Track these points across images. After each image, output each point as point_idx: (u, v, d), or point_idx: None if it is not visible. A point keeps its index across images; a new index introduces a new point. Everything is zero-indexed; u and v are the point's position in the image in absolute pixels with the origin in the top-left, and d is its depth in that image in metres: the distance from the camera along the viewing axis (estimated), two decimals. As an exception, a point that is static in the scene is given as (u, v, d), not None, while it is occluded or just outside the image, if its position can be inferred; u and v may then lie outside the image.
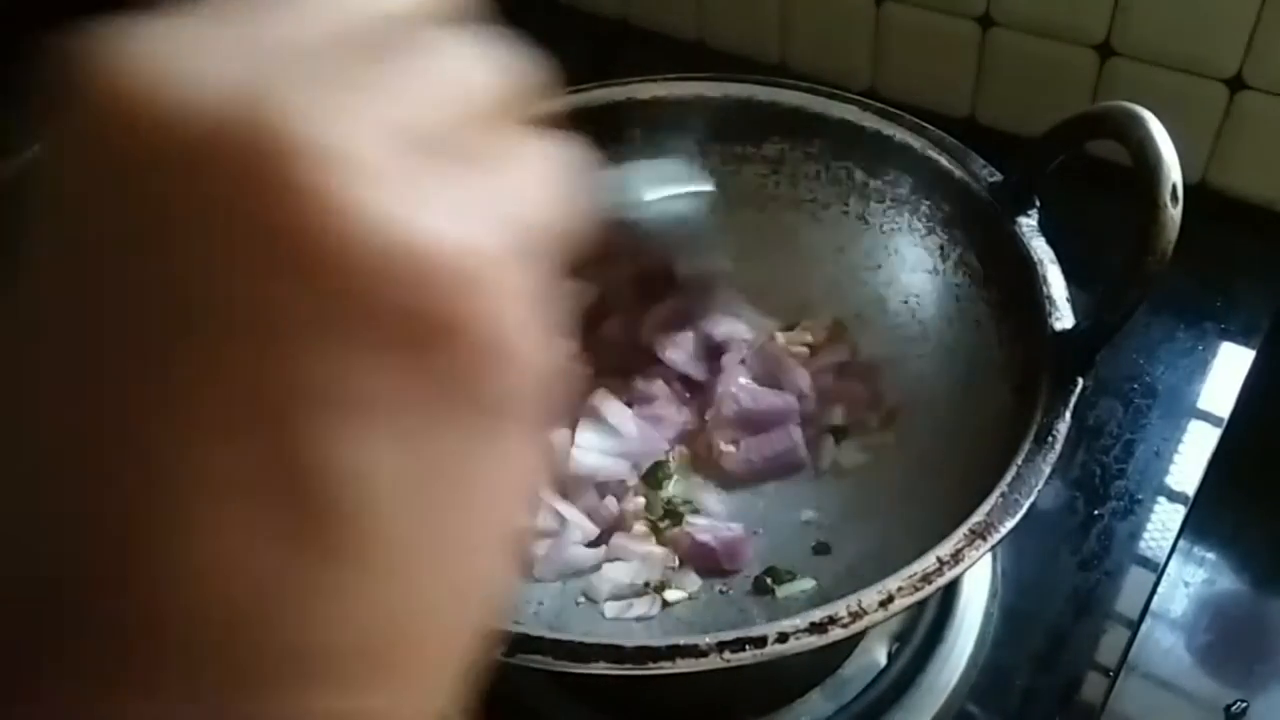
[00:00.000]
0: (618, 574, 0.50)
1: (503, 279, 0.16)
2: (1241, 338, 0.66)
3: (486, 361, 0.16)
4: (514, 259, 0.16)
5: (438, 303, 0.15)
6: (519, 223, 0.17)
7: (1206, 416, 0.62)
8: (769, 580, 0.49)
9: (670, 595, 0.49)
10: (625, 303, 0.57)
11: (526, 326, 0.17)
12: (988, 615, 0.54)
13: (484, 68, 0.19)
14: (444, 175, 0.16)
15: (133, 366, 0.15)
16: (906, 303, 0.57)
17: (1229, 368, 0.64)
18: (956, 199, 0.54)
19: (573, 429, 0.53)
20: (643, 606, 0.49)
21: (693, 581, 0.51)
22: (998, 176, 0.52)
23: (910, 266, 0.56)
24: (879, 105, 0.57)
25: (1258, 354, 0.65)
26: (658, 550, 0.51)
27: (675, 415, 0.55)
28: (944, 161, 0.54)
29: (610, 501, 0.53)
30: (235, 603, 0.15)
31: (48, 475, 0.15)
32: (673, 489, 0.54)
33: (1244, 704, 0.51)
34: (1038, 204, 0.50)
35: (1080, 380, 0.44)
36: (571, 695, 0.51)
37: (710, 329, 0.57)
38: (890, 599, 0.38)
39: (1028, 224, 0.50)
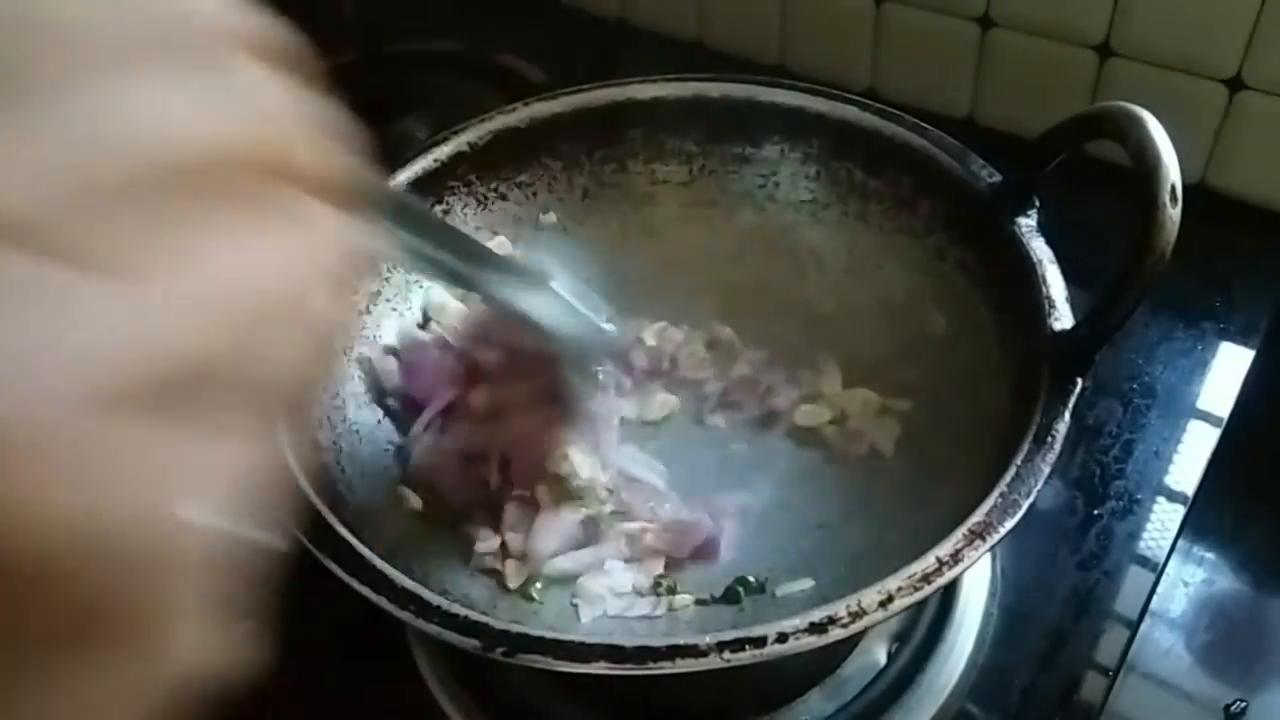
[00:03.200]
0: (615, 577, 0.50)
1: (37, 479, 0.13)
2: (1241, 338, 0.66)
3: (24, 591, 0.13)
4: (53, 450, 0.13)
5: None
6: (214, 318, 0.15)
7: (1206, 416, 0.62)
8: (740, 590, 0.49)
9: (678, 600, 0.49)
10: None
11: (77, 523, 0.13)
12: (987, 615, 0.54)
13: (224, 105, 0.16)
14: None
15: None
16: (906, 303, 0.57)
17: (1228, 368, 0.64)
18: (956, 199, 0.54)
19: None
20: (645, 607, 0.49)
21: (693, 582, 0.51)
22: (997, 177, 0.52)
23: (910, 267, 0.56)
24: (878, 105, 0.57)
25: (1257, 354, 0.65)
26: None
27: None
28: (944, 162, 0.54)
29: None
30: None
31: None
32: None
33: (1243, 703, 0.51)
34: (1037, 204, 0.50)
35: (1079, 380, 0.44)
36: (572, 695, 0.51)
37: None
38: (890, 599, 0.38)
39: (1027, 224, 0.50)
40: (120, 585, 0.14)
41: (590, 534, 0.52)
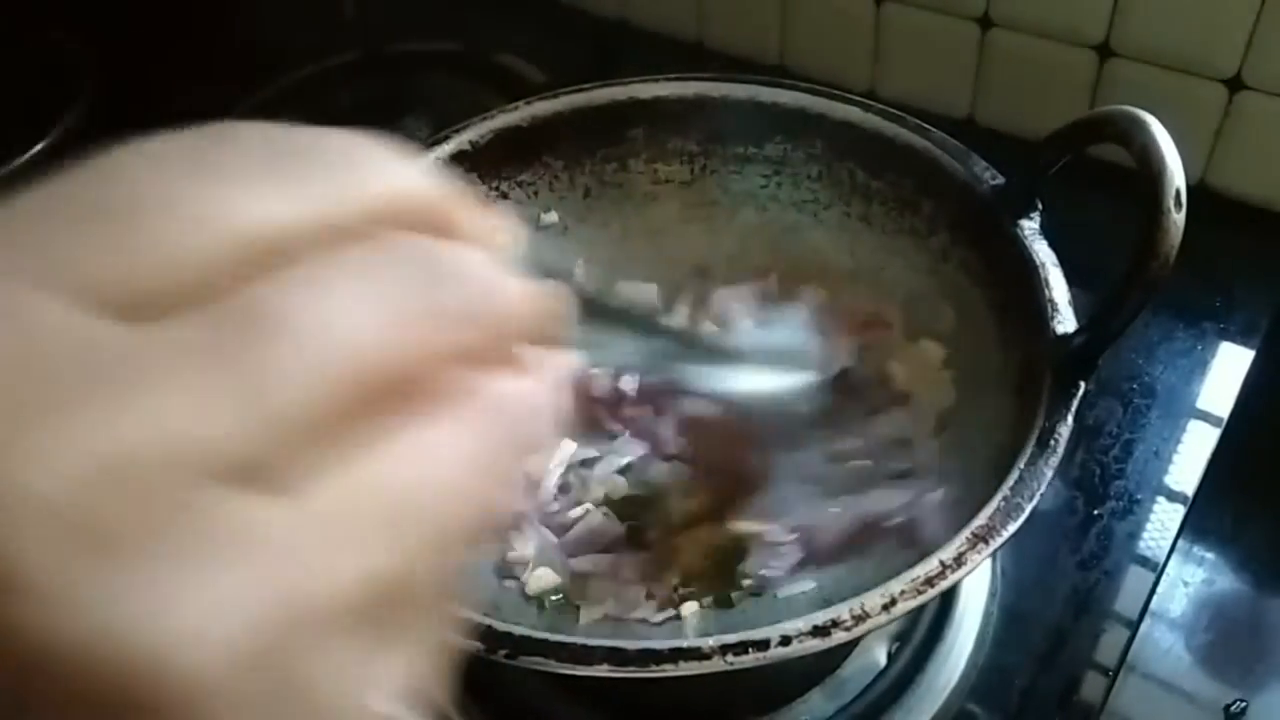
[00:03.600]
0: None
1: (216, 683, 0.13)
2: (1241, 338, 0.66)
3: None
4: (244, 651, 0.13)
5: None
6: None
7: (1206, 416, 0.62)
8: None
9: (685, 609, 0.49)
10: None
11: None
12: (987, 615, 0.54)
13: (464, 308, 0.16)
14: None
15: None
16: (907, 305, 0.57)
17: (1228, 368, 0.64)
18: (959, 201, 0.54)
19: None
20: (648, 610, 0.49)
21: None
22: (1000, 179, 0.52)
23: (912, 268, 0.56)
24: (880, 106, 0.57)
25: (1257, 354, 0.65)
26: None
27: None
28: (946, 163, 0.54)
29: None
30: None
31: None
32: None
33: (1243, 703, 0.51)
34: (1040, 206, 0.50)
35: (1082, 384, 0.44)
36: (573, 696, 0.51)
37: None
38: (893, 602, 0.38)
39: (1030, 227, 0.50)
40: None
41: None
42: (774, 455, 0.51)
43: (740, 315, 0.59)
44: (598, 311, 0.32)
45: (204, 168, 0.15)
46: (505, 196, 0.60)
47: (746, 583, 0.49)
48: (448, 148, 0.57)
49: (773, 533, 0.50)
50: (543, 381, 0.18)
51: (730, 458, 0.53)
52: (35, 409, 0.13)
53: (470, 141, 0.58)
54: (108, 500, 0.13)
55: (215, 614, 0.13)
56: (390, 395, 0.15)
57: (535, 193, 0.61)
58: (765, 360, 0.48)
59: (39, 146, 0.80)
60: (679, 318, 0.59)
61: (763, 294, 0.59)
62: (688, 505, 0.53)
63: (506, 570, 0.50)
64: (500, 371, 0.17)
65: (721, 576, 0.50)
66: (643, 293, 0.61)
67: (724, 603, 0.49)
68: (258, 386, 0.14)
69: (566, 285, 0.20)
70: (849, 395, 0.54)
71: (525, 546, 0.51)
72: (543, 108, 0.59)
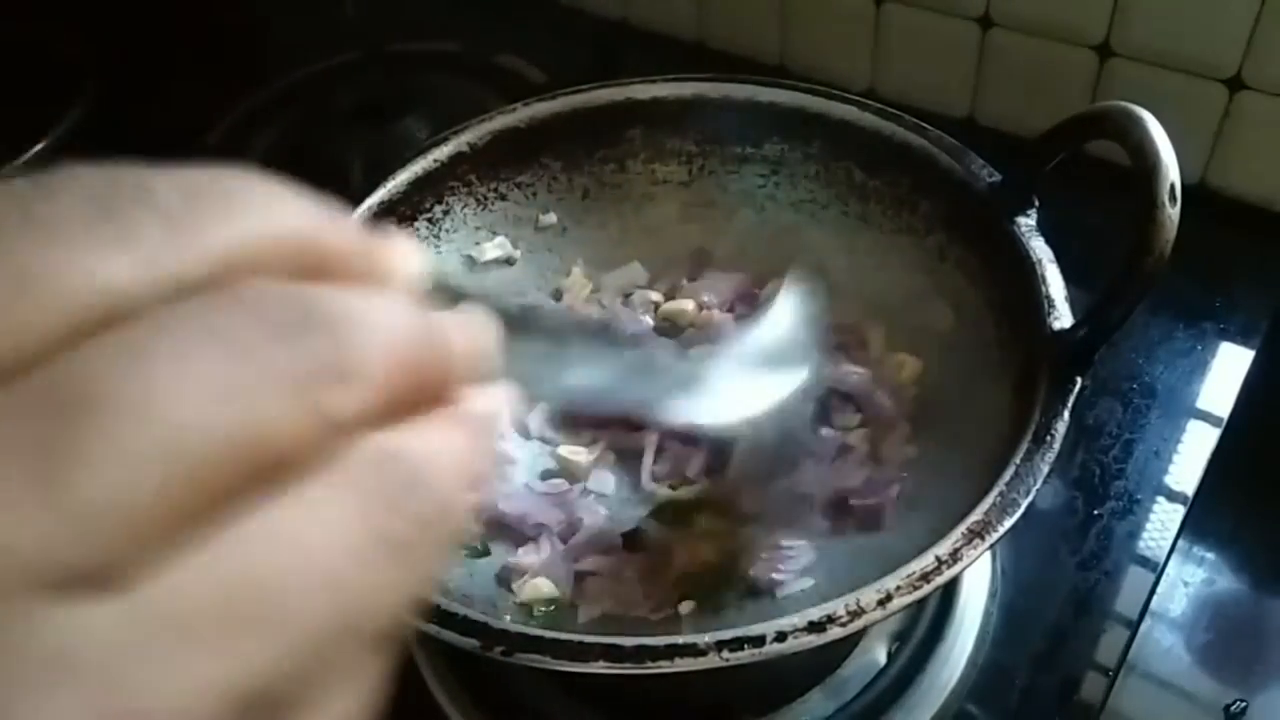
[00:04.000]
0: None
1: None
2: (1240, 338, 0.66)
3: None
4: None
5: None
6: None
7: (1205, 416, 0.62)
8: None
9: (683, 608, 0.49)
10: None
11: None
12: (987, 615, 0.54)
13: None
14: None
15: None
16: (906, 303, 0.57)
17: (1228, 368, 0.64)
18: (956, 199, 0.54)
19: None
20: (644, 608, 0.49)
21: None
22: (997, 176, 0.52)
23: (910, 266, 0.56)
24: (878, 105, 0.57)
25: (1257, 354, 0.65)
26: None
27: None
28: (943, 161, 0.54)
29: None
30: None
31: None
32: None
33: (1243, 703, 0.51)
34: (1036, 204, 0.50)
35: (1079, 380, 0.44)
36: (570, 694, 0.51)
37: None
38: (889, 598, 0.38)
39: (1026, 224, 0.50)
40: None
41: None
42: (762, 486, 0.51)
43: (723, 309, 0.59)
44: (534, 331, 0.27)
45: (29, 223, 0.13)
46: (504, 198, 0.60)
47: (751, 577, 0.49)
48: (447, 149, 0.58)
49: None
50: (459, 429, 0.16)
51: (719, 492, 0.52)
52: None
53: (469, 143, 0.58)
54: None
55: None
56: (248, 474, 0.13)
57: (534, 194, 0.61)
58: (739, 368, 0.43)
59: (38, 147, 0.80)
60: (640, 325, 0.58)
61: (753, 286, 0.60)
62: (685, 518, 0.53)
63: (504, 576, 0.50)
64: (398, 427, 0.15)
65: (722, 576, 0.50)
66: (630, 274, 0.61)
67: (719, 601, 0.49)
68: (64, 479, 0.12)
69: (489, 308, 0.18)
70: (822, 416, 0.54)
71: (530, 555, 0.50)
72: (541, 109, 0.60)
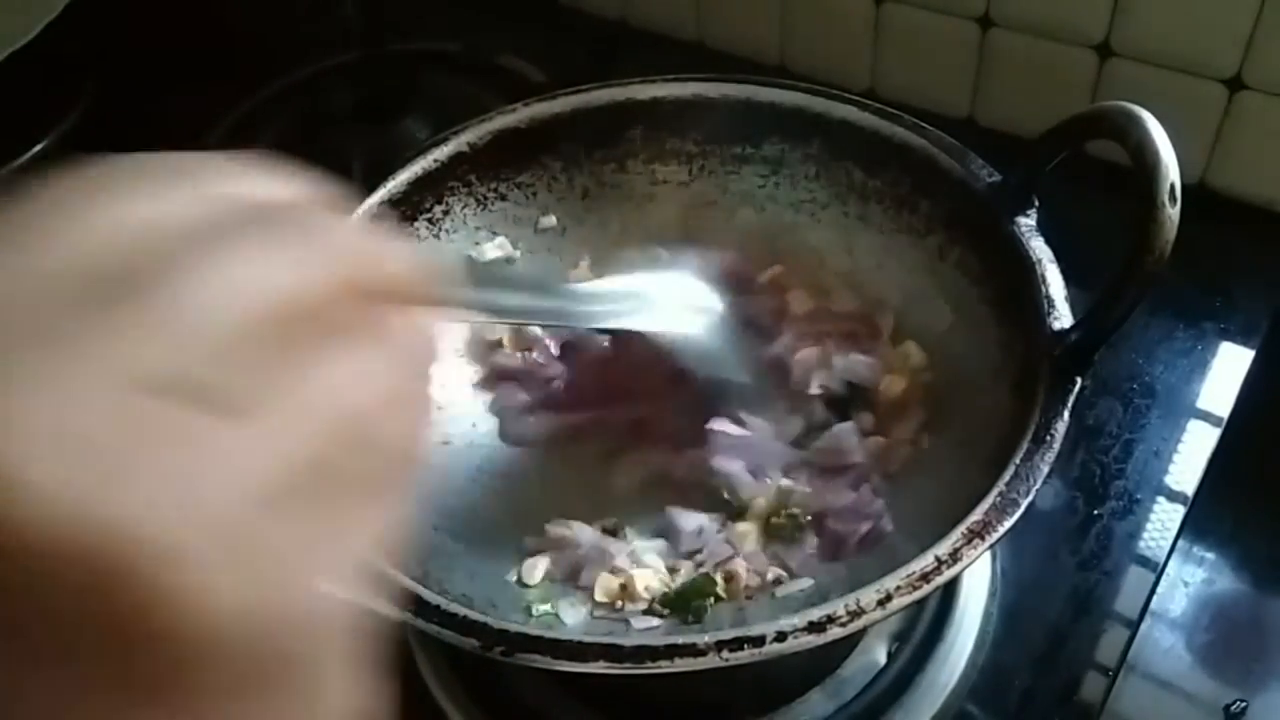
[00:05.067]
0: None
1: (211, 559, 0.16)
2: (1240, 338, 0.66)
3: (191, 660, 0.16)
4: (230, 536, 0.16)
5: (121, 597, 0.15)
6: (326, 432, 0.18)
7: (1205, 416, 0.62)
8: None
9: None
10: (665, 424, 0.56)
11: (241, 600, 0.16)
12: (987, 615, 0.54)
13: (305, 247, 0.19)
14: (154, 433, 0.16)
15: None
16: (906, 303, 0.57)
17: (1228, 368, 0.64)
18: (956, 199, 0.54)
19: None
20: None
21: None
22: (997, 176, 0.52)
23: (909, 266, 0.56)
24: (878, 105, 0.57)
25: (1257, 354, 0.65)
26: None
27: None
28: (943, 162, 0.54)
29: None
30: None
31: None
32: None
33: (1243, 703, 0.51)
34: (1036, 204, 0.50)
35: (1079, 380, 0.44)
36: (570, 694, 0.51)
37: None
38: (888, 598, 0.38)
39: (1026, 224, 0.50)
40: (282, 649, 0.17)
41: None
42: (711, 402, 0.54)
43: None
44: (484, 275, 0.37)
45: (115, 185, 0.19)
46: (504, 198, 0.60)
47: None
48: (447, 149, 0.58)
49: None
50: (426, 320, 0.21)
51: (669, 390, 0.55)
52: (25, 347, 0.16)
53: (469, 143, 0.58)
54: (85, 415, 0.15)
55: (184, 491, 0.16)
56: (304, 331, 0.18)
57: (534, 194, 0.61)
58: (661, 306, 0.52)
59: (39, 147, 0.80)
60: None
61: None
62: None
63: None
64: (390, 310, 0.20)
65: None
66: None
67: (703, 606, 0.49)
68: (179, 317, 0.17)
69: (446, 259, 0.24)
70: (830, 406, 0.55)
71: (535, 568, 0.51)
72: (541, 109, 0.59)
